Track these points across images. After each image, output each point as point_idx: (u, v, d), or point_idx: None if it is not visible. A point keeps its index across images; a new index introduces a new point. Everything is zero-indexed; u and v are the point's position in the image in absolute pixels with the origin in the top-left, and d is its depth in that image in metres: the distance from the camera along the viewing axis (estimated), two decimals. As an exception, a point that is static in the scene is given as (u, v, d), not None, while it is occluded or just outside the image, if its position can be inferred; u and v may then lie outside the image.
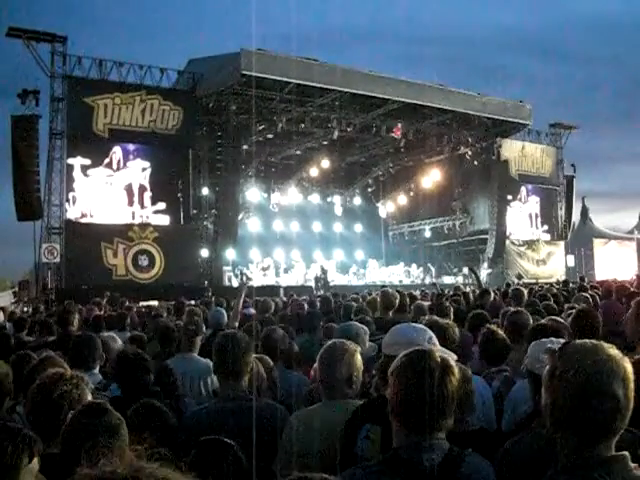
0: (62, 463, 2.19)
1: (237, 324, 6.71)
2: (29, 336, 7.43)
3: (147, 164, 21.75)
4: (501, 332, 4.35)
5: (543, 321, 4.04)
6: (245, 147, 24.04)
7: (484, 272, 27.04)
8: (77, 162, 20.63)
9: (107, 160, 21.20)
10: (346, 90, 21.94)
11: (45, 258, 19.58)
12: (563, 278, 21.75)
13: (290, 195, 30.92)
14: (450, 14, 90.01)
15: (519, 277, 26.95)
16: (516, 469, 2.20)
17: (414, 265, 30.64)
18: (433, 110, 24.69)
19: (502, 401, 3.70)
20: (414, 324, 3.12)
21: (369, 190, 34.08)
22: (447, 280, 28.10)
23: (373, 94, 22.35)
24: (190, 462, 2.21)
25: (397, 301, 6.61)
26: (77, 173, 20.65)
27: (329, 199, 33.16)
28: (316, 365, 3.15)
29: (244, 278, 23.14)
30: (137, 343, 5.52)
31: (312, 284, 24.46)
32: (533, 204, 31.20)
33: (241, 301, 7.38)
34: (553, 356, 1.76)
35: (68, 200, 20.52)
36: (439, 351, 2.28)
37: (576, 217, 35.75)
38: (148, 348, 5.36)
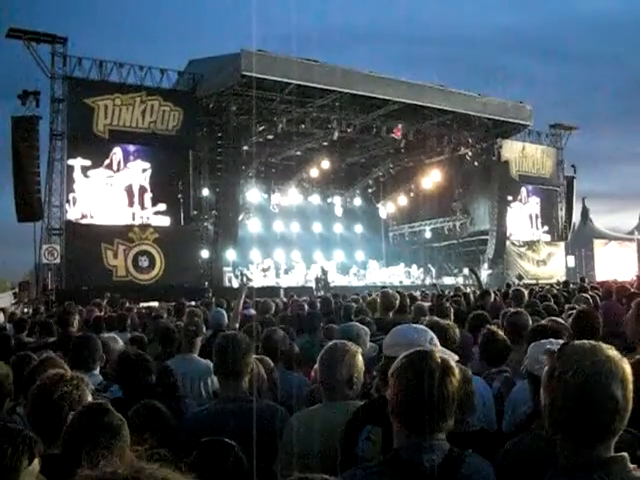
0: (63, 464, 2.19)
1: (237, 325, 6.70)
2: (29, 337, 7.43)
3: (147, 165, 21.76)
4: (501, 333, 4.36)
5: (543, 322, 4.04)
6: (245, 148, 24.05)
7: (484, 273, 27.04)
8: (77, 163, 20.64)
9: (107, 161, 21.21)
10: (346, 91, 21.95)
11: (45, 259, 19.58)
12: (563, 279, 21.75)
13: (290, 196, 30.92)
14: (450, 14, 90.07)
15: (519, 278, 26.93)
16: (516, 470, 2.20)
17: (414, 266, 30.65)
18: (433, 111, 24.70)
19: (502, 402, 3.70)
20: (415, 325, 3.12)
21: (369, 191, 34.09)
22: (447, 281, 28.09)
23: (373, 95, 22.35)
24: (191, 463, 2.21)
25: (397, 302, 6.62)
26: (77, 174, 20.66)
27: (329, 200, 33.17)
28: (316, 366, 3.15)
29: (244, 279, 23.12)
30: (137, 344, 5.53)
31: (312, 285, 24.45)
32: (533, 205, 31.20)
33: (241, 302, 7.37)
34: (552, 357, 1.76)
35: (68, 201, 20.53)
36: (440, 352, 2.28)
37: (576, 218, 35.76)
38: (149, 349, 5.36)
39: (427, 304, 7.87)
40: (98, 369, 4.40)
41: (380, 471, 2.01)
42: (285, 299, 13.90)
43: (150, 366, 3.71)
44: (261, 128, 24.25)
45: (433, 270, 30.37)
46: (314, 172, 29.53)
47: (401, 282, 27.62)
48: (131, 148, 21.64)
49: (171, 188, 21.89)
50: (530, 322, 4.61)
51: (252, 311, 8.90)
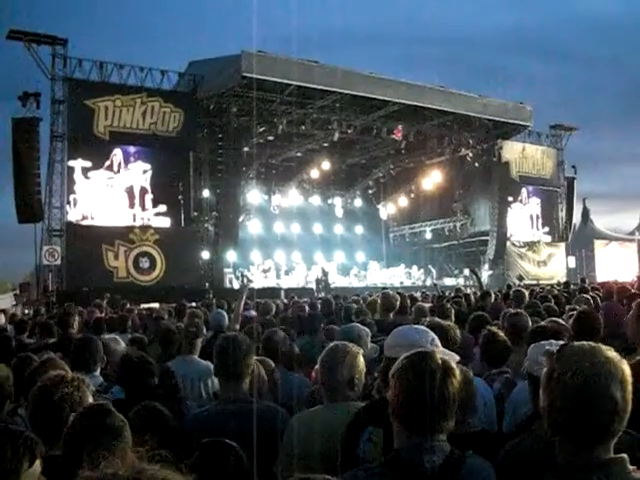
0: (64, 465, 2.19)
1: (238, 326, 6.71)
2: (30, 338, 7.43)
3: (148, 166, 21.77)
4: (502, 334, 4.36)
5: (543, 323, 4.04)
6: (246, 149, 24.04)
7: (485, 274, 27.02)
8: (78, 164, 20.65)
9: (108, 162, 21.22)
10: (347, 92, 21.95)
11: (46, 260, 19.59)
12: (564, 279, 21.75)
13: (291, 197, 30.93)
14: (450, 15, 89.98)
15: (520, 278, 26.94)
16: (516, 471, 2.20)
17: (415, 267, 30.66)
18: (434, 112, 24.70)
19: (503, 403, 3.71)
20: (416, 326, 3.12)
21: (370, 192, 34.09)
22: (448, 282, 28.11)
23: (374, 96, 22.35)
24: (193, 464, 2.22)
25: (398, 303, 6.61)
26: (78, 175, 20.67)
27: (330, 201, 33.17)
28: (317, 367, 3.15)
29: (245, 280, 23.11)
30: (138, 345, 5.53)
31: (313, 286, 24.45)
32: (534, 205, 31.20)
33: (242, 303, 7.37)
34: (551, 358, 1.76)
35: (69, 202, 20.53)
36: (441, 353, 2.28)
37: (577, 218, 35.74)
38: (149, 350, 5.36)
39: (428, 305, 7.87)
40: (99, 370, 4.41)
41: (381, 472, 2.01)
42: (286, 300, 13.91)
43: (152, 368, 3.72)
44: (261, 129, 24.25)
45: (434, 271, 30.37)
46: (314, 173, 29.53)
47: (402, 283, 27.62)
48: (132, 149, 21.65)
49: (172, 189, 21.89)
50: (530, 323, 4.61)
51: (253, 312, 8.91)
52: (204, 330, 5.57)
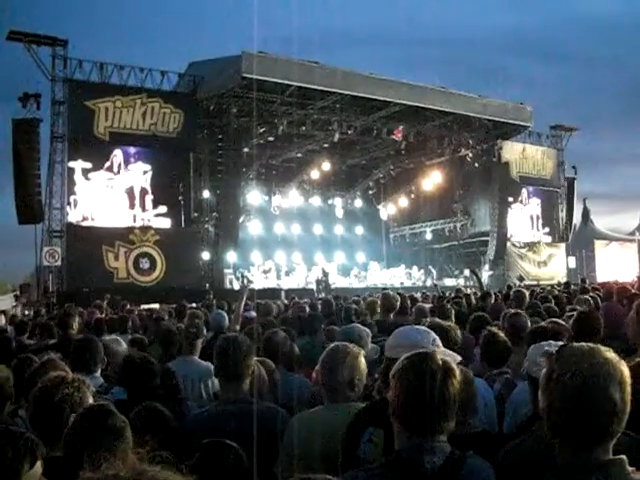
0: (65, 466, 2.19)
1: (238, 327, 6.70)
2: (30, 339, 7.43)
3: (148, 167, 21.77)
4: (502, 334, 4.36)
5: (543, 324, 4.04)
6: (246, 150, 24.04)
7: (485, 274, 27.03)
8: (78, 165, 20.66)
9: (108, 163, 21.22)
10: (347, 93, 21.95)
11: (46, 261, 19.59)
12: (564, 280, 21.74)
13: (291, 198, 30.93)
14: (450, 16, 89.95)
15: (520, 279, 26.93)
16: (516, 472, 2.20)
17: (415, 267, 30.67)
18: (434, 112, 24.70)
19: (503, 403, 3.71)
20: (417, 326, 3.12)
21: (370, 192, 34.10)
22: (448, 282, 28.12)
23: (374, 96, 22.36)
24: (194, 464, 2.22)
25: (398, 303, 6.62)
26: (78, 176, 20.68)
27: (330, 201, 33.17)
28: (317, 368, 3.15)
29: (245, 281, 23.12)
30: (137, 346, 5.53)
31: (313, 287, 24.46)
32: (534, 206, 31.20)
33: (243, 304, 7.37)
34: (550, 359, 1.76)
35: (69, 203, 20.54)
36: (442, 353, 2.28)
37: (577, 219, 35.75)
38: (149, 351, 5.36)
39: (428, 305, 7.86)
40: (99, 371, 4.41)
41: (381, 473, 2.01)
42: (286, 301, 13.90)
43: (155, 369, 3.72)
44: (262, 130, 24.25)
45: (434, 271, 30.37)
46: (315, 174, 29.53)
47: (402, 284, 27.62)
48: (132, 150, 21.66)
49: (172, 190, 21.91)
50: (529, 323, 4.62)
51: (253, 313, 8.89)
52: (204, 331, 5.57)
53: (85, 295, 17.21)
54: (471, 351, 4.62)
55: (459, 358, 2.64)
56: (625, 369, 1.68)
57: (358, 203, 33.78)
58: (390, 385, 2.11)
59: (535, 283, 23.49)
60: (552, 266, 30.85)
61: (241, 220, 25.54)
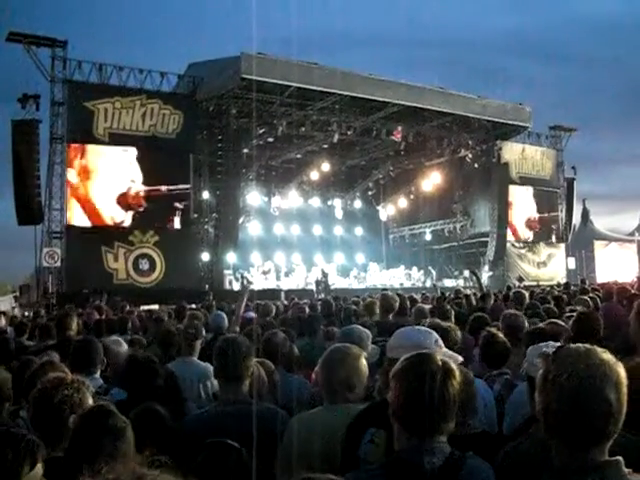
0: (66, 467, 2.19)
1: (238, 328, 6.70)
2: (30, 340, 7.43)
3: (148, 168, 21.72)
4: (501, 335, 4.36)
5: (541, 325, 4.05)
6: (245, 151, 24.06)
7: (485, 275, 27.04)
8: (78, 166, 20.61)
9: (108, 164, 21.17)
10: (346, 93, 21.97)
11: (46, 262, 19.58)
12: (564, 280, 21.76)
13: (291, 198, 30.94)
14: (450, 17, 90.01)
15: (520, 280, 26.94)
16: (515, 472, 2.20)
17: (415, 268, 30.66)
18: (433, 113, 24.71)
19: (503, 404, 3.71)
20: (419, 327, 3.12)
21: (369, 193, 34.11)
22: (448, 283, 28.11)
23: (373, 97, 22.37)
24: (196, 465, 2.22)
25: (397, 304, 6.61)
26: (78, 177, 20.63)
27: (329, 202, 33.18)
28: (317, 369, 3.15)
29: (245, 282, 23.12)
30: (136, 347, 5.52)
31: (313, 287, 24.46)
32: (534, 206, 31.16)
33: (243, 305, 7.37)
34: (547, 360, 1.76)
35: (69, 204, 20.52)
36: (444, 354, 2.28)
37: (577, 219, 35.77)
38: (148, 352, 5.36)
39: (428, 306, 7.86)
40: (98, 372, 4.40)
41: (381, 473, 2.01)
42: (286, 302, 13.90)
43: (158, 369, 3.72)
44: (261, 131, 24.26)
45: (433, 272, 30.37)
46: (314, 175, 29.54)
47: (402, 284, 27.61)
48: (131, 151, 21.60)
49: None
50: (526, 324, 4.63)
51: (252, 314, 8.90)
52: (203, 332, 5.57)
53: (85, 296, 17.20)
54: (471, 352, 4.62)
55: (460, 359, 2.64)
56: (622, 370, 1.68)
57: (357, 204, 33.79)
58: (390, 386, 2.11)
59: (535, 284, 23.48)
60: (552, 267, 30.84)
61: (241, 221, 25.54)
